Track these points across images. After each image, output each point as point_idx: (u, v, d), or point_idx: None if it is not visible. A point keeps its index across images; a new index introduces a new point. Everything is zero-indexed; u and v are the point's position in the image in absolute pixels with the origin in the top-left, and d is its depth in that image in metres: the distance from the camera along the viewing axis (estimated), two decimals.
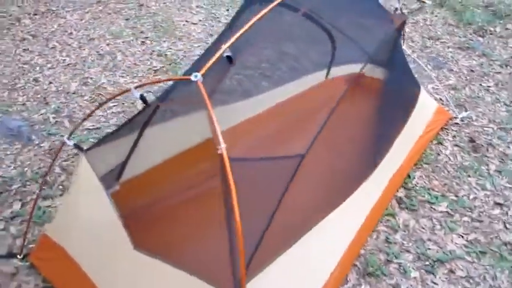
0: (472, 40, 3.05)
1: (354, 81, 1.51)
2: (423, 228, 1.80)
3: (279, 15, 1.38)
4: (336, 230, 1.45)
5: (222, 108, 1.34)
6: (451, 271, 1.60)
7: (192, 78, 1.11)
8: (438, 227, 1.80)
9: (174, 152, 1.83)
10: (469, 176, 2.07)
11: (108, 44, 3.17)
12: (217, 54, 1.16)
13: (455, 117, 2.39)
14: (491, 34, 3.08)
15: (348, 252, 1.47)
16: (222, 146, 1.02)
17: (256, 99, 2.13)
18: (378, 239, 1.73)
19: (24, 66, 2.91)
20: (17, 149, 2.22)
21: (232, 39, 1.18)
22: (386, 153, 1.73)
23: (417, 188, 1.98)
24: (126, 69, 2.94)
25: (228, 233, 1.05)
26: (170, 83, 1.57)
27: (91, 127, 2.40)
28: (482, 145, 2.25)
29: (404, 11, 3.02)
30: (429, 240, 1.74)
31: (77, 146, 1.46)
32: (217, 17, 3.64)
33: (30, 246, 1.62)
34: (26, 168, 2.08)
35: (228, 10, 3.73)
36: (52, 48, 3.11)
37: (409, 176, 2.01)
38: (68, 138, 1.46)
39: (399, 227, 1.79)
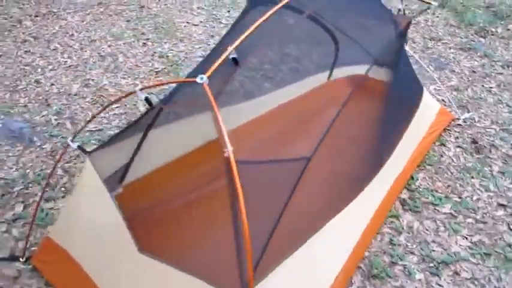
0: (473, 41, 3.05)
1: (359, 83, 1.51)
2: (427, 230, 1.80)
3: (283, 17, 1.38)
4: (341, 233, 1.45)
5: (224, 110, 1.34)
6: (456, 273, 1.60)
7: (198, 80, 1.11)
8: (442, 228, 1.80)
9: (177, 154, 1.83)
10: (472, 177, 2.07)
11: (109, 46, 3.17)
12: (223, 56, 1.16)
13: (458, 119, 2.40)
14: (492, 35, 3.09)
15: (353, 254, 1.47)
16: (229, 149, 1.02)
17: (259, 100, 2.13)
18: (382, 241, 1.73)
19: (26, 67, 2.91)
20: (19, 151, 2.22)
21: (238, 41, 1.18)
22: (390, 155, 1.73)
23: (420, 189, 1.98)
24: (127, 71, 2.94)
25: (235, 236, 1.04)
26: (174, 84, 1.56)
27: (93, 129, 2.40)
28: (485, 146, 2.25)
29: (408, 12, 3.03)
30: (433, 242, 1.73)
31: (80, 148, 1.45)
32: (218, 18, 3.64)
33: (33, 248, 1.62)
34: (28, 170, 2.08)
35: (229, 11, 3.73)
36: (53, 49, 3.10)
37: (412, 178, 2.01)
38: (72, 141, 1.45)
39: (403, 228, 1.79)
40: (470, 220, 1.84)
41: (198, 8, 3.77)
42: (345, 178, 1.56)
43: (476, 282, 1.57)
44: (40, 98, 2.63)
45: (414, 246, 1.71)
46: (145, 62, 3.03)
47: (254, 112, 2.11)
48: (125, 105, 2.59)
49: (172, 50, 3.19)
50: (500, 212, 1.89)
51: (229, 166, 1.02)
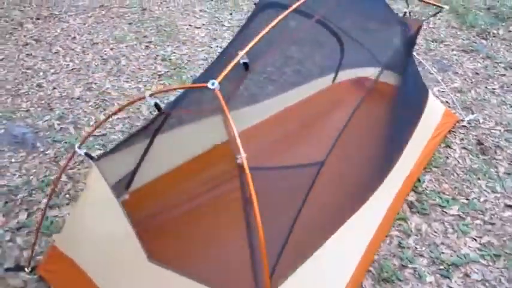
0: (475, 43, 3.08)
1: (369, 87, 1.50)
2: (436, 232, 1.80)
3: (288, 20, 1.38)
4: (351, 238, 1.45)
5: (231, 114, 1.33)
6: (466, 275, 1.60)
7: (209, 85, 1.10)
8: (450, 230, 1.80)
9: (184, 160, 1.82)
10: (478, 178, 2.08)
11: (111, 49, 3.16)
12: (234, 61, 1.15)
13: (463, 120, 2.41)
14: (494, 37, 3.12)
15: (363, 259, 1.47)
16: (243, 156, 1.01)
17: (264, 104, 2.13)
18: (391, 244, 1.73)
19: (28, 71, 2.89)
20: (22, 157, 2.20)
21: (250, 46, 1.17)
22: (398, 159, 1.73)
23: (427, 191, 1.99)
24: (130, 74, 2.92)
25: (249, 243, 1.03)
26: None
27: (97, 133, 2.38)
28: (490, 147, 2.26)
29: (414, 15, 3.04)
30: (442, 244, 1.74)
31: (87, 155, 1.42)
32: (221, 21, 3.64)
33: (38, 257, 1.60)
34: (31, 177, 2.05)
35: (231, 14, 3.74)
36: (55, 53, 3.09)
37: (419, 180, 2.01)
38: (79, 147, 1.43)
39: (411, 231, 1.79)
40: (478, 221, 1.84)
41: (201, 10, 3.77)
42: (354, 182, 1.57)
43: (487, 284, 1.57)
44: (42, 102, 2.61)
45: (423, 248, 1.71)
46: (148, 65, 3.02)
47: (260, 116, 2.11)
48: (128, 109, 2.58)
49: (175, 53, 3.18)
50: (508, 213, 1.89)
51: (242, 173, 1.00)
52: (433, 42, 3.21)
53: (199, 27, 3.54)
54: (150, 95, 1.29)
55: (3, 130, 2.36)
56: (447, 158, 2.20)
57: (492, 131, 2.37)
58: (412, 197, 1.95)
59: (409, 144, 1.88)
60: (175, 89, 1.49)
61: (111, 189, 1.35)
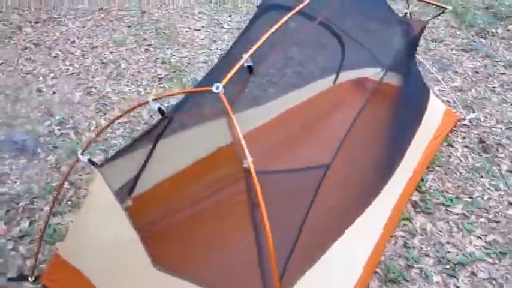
0: (474, 42, 3.10)
1: (373, 89, 1.51)
2: (440, 231, 1.80)
3: (294, 23, 1.38)
4: (357, 240, 1.45)
5: (235, 117, 1.33)
6: (473, 273, 1.61)
7: (214, 89, 1.10)
8: (455, 229, 1.81)
9: (187, 163, 1.82)
10: (481, 176, 2.09)
11: (111, 52, 3.16)
12: (239, 64, 1.15)
13: (464, 119, 2.42)
14: (493, 36, 3.14)
15: (369, 261, 1.47)
16: (249, 160, 1.00)
17: (266, 106, 2.13)
18: (397, 244, 1.73)
19: (27, 76, 2.88)
20: (23, 164, 2.18)
21: (253, 48, 1.17)
22: (402, 159, 1.74)
23: (431, 191, 1.99)
24: (130, 78, 2.92)
25: (257, 248, 1.03)
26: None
27: (97, 138, 2.36)
28: (492, 146, 2.27)
29: (417, 16, 3.05)
30: (448, 243, 1.74)
31: (91, 161, 1.41)
32: (220, 23, 3.65)
33: (41, 266, 1.58)
34: (32, 184, 2.04)
35: (230, 16, 3.74)
36: (55, 57, 3.08)
37: (422, 179, 2.02)
38: (82, 154, 1.41)
39: (416, 231, 1.79)
40: (482, 220, 1.85)
41: (200, 12, 3.77)
42: (359, 184, 1.57)
43: (494, 282, 1.57)
44: (42, 107, 2.60)
45: (429, 248, 1.71)
46: (148, 69, 3.02)
47: (262, 118, 2.11)
48: (129, 113, 2.57)
49: (174, 55, 3.18)
50: None
51: (249, 177, 1.00)
52: (432, 41, 3.23)
53: (199, 30, 3.54)
54: (154, 100, 1.29)
55: (4, 137, 2.35)
56: (450, 156, 2.21)
57: (493, 129, 2.39)
58: (415, 197, 1.95)
59: (412, 144, 1.89)
60: (180, 93, 1.48)
61: (115, 195, 1.35)
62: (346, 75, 2.43)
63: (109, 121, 2.55)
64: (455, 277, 1.59)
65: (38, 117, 2.52)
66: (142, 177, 1.62)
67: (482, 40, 3.13)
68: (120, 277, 1.31)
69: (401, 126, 1.73)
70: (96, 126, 2.47)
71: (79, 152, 1.41)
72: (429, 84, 2.54)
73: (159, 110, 1.33)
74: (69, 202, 1.94)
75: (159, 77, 2.93)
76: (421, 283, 1.57)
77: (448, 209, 1.90)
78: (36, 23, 3.48)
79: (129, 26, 3.50)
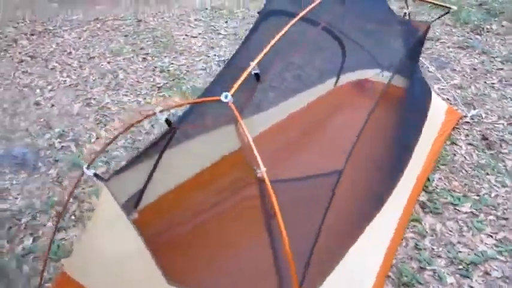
0: (470, 39, 3.13)
1: (382, 92, 1.50)
2: (450, 231, 1.79)
3: (298, 29, 1.37)
4: (370, 245, 1.43)
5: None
6: (486, 273, 1.59)
7: (223, 98, 1.08)
8: (465, 228, 1.80)
9: (192, 173, 1.79)
10: (487, 173, 2.08)
11: (108, 62, 3.13)
12: (246, 72, 1.14)
13: (465, 116, 2.42)
14: (488, 32, 3.17)
15: (383, 265, 1.45)
16: (263, 170, 0.99)
17: (270, 112, 2.12)
18: (407, 247, 1.72)
19: (24, 89, 2.84)
20: (23, 178, 2.14)
21: (260, 56, 1.16)
22: (409, 161, 1.73)
23: (438, 190, 1.98)
24: (129, 88, 2.89)
25: (273, 257, 1.01)
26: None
27: (99, 150, 2.33)
28: (495, 142, 2.27)
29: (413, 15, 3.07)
30: (459, 243, 1.73)
31: (97, 175, 1.37)
32: (217, 29, 3.64)
33: (47, 285, 1.54)
34: (34, 199, 2.00)
35: (226, 22, 3.74)
36: (52, 69, 3.05)
37: (428, 179, 2.01)
38: (88, 168, 1.38)
39: (426, 232, 1.78)
40: (491, 217, 1.84)
41: (196, 19, 3.77)
42: (369, 188, 1.55)
43: (507, 281, 1.56)
44: (41, 120, 2.57)
45: (440, 249, 1.70)
46: (147, 78, 3.00)
47: (266, 124, 2.10)
48: (128, 124, 2.54)
49: (172, 63, 3.16)
50: None
51: (263, 186, 0.98)
52: (429, 40, 3.25)
53: (196, 37, 3.53)
54: (161, 111, 1.27)
55: (3, 151, 2.31)
56: (454, 155, 2.20)
57: (495, 125, 2.39)
58: (423, 197, 1.94)
59: (418, 145, 1.88)
60: (188, 104, 1.46)
61: (122, 208, 1.32)
62: (347, 77, 2.43)
63: (110, 131, 2.55)
64: (468, 277, 1.58)
65: (37, 130, 2.48)
66: (148, 189, 1.60)
67: (478, 37, 3.16)
68: None
69: (407, 127, 1.72)
70: (97, 138, 2.44)
71: (84, 166, 1.38)
72: (429, 83, 2.54)
73: (166, 121, 1.32)
74: (73, 217, 1.90)
75: (158, 85, 2.91)
76: (434, 285, 1.55)
77: (457, 208, 1.89)
78: (32, 35, 3.46)
79: (125, 36, 3.48)
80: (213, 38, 3.50)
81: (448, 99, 2.59)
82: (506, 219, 1.84)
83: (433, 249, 1.70)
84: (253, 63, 1.14)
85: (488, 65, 2.86)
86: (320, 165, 1.22)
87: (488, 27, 3.22)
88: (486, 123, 2.41)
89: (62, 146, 2.36)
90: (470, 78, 2.77)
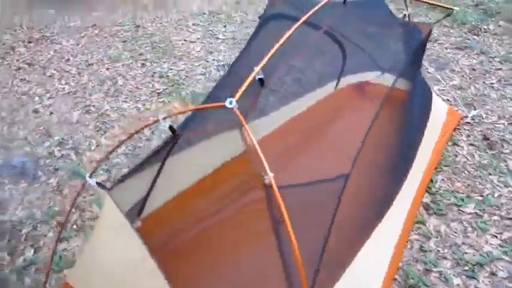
0: (468, 39, 3.17)
1: (386, 94, 1.52)
2: (455, 232, 1.80)
3: (300, 32, 1.39)
4: (376, 249, 1.44)
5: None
6: (493, 273, 1.61)
7: (227, 104, 1.10)
8: (470, 229, 1.81)
9: (194, 180, 1.80)
10: (489, 174, 2.11)
11: (107, 69, 3.15)
12: (250, 77, 1.15)
13: (466, 117, 2.45)
14: (485, 32, 3.22)
15: (389, 269, 1.46)
16: (270, 176, 1.00)
17: (272, 116, 2.13)
18: (413, 249, 1.73)
19: (23, 97, 2.85)
20: (23, 188, 2.14)
21: (264, 61, 1.18)
22: (413, 163, 1.75)
23: (441, 191, 2.00)
24: (128, 94, 2.91)
25: (282, 263, 1.01)
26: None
27: (99, 158, 2.33)
28: (496, 142, 2.30)
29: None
30: (464, 244, 1.74)
31: (100, 184, 1.37)
32: (215, 34, 3.67)
33: None
34: (34, 209, 1.99)
35: (225, 26, 3.77)
36: (50, 76, 3.06)
37: (431, 181, 2.03)
38: (90, 177, 1.36)
39: (431, 233, 1.79)
40: (496, 218, 1.86)
41: (194, 24, 3.80)
42: (375, 192, 1.56)
43: None
44: (40, 128, 2.57)
45: (445, 250, 1.71)
46: (146, 84, 3.01)
47: (266, 129, 2.11)
48: (130, 130, 2.55)
49: (172, 69, 3.18)
50: None
51: (270, 192, 1.00)
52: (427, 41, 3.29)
53: (194, 42, 3.56)
54: (164, 118, 1.28)
55: (2, 161, 2.31)
56: (456, 156, 2.23)
57: (496, 125, 2.42)
58: (426, 199, 1.96)
59: (420, 146, 1.90)
60: (192, 110, 1.47)
61: (125, 217, 1.32)
62: (347, 80, 2.46)
63: (109, 138, 2.55)
64: (475, 278, 1.59)
65: (37, 138, 2.48)
66: (151, 197, 1.60)
67: (476, 37, 3.21)
68: None
69: (410, 129, 1.74)
70: (97, 145, 2.45)
71: (87, 175, 1.38)
72: (429, 84, 2.58)
73: (170, 128, 1.33)
74: (75, 226, 1.90)
75: (158, 91, 2.92)
76: (441, 287, 1.56)
77: (460, 209, 1.91)
78: (29, 42, 3.47)
79: (123, 41, 3.50)
80: (211, 43, 3.53)
81: (448, 100, 2.63)
82: (510, 219, 1.86)
83: (438, 250, 1.71)
84: (257, 68, 1.15)
85: (487, 65, 2.91)
86: (325, 170, 1.23)
87: (486, 27, 3.28)
88: (487, 123, 2.44)
89: (62, 155, 2.36)
90: (470, 78, 2.81)
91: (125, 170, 2.25)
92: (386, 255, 1.48)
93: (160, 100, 2.83)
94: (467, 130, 2.40)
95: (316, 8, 1.35)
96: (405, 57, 1.72)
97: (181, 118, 1.81)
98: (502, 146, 2.29)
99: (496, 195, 1.99)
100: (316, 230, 1.10)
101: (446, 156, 2.21)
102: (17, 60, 3.24)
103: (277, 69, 1.30)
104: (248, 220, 1.60)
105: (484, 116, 2.50)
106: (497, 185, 2.05)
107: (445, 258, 1.68)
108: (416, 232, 1.80)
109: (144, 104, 2.79)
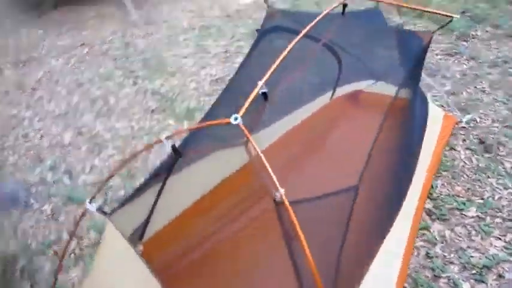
0: (457, 46, 3.41)
1: (389, 104, 1.62)
2: (459, 236, 1.91)
3: (299, 45, 1.47)
4: (387, 258, 1.50)
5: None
6: (500, 276, 1.71)
7: (232, 121, 1.16)
8: (474, 232, 1.92)
9: (194, 199, 1.84)
10: (488, 177, 2.24)
11: (98, 88, 3.23)
12: (254, 92, 1.20)
13: (460, 121, 2.62)
14: (473, 38, 3.47)
15: (399, 277, 1.53)
16: (281, 191, 1.03)
17: (268, 130, 2.23)
18: (419, 256, 1.82)
19: (11, 121, 2.89)
20: (16, 217, 2.15)
21: (267, 75, 1.24)
22: (415, 169, 1.85)
23: (442, 196, 2.12)
24: (121, 113, 2.99)
25: (297, 278, 1.06)
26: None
27: (95, 180, 2.38)
28: (492, 145, 2.46)
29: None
30: (469, 247, 1.84)
31: (100, 210, 1.41)
32: (206, 48, 3.83)
33: None
34: (29, 240, 2.00)
35: (216, 41, 3.94)
36: (39, 98, 3.12)
37: (431, 186, 2.15)
38: (90, 202, 1.39)
39: (436, 239, 1.89)
40: (498, 220, 1.98)
41: (185, 39, 3.96)
42: (382, 201, 1.63)
43: None
44: (31, 153, 2.61)
45: (452, 255, 1.81)
46: (139, 101, 3.10)
47: (264, 142, 2.20)
48: (125, 150, 2.62)
49: (164, 85, 3.29)
50: None
51: (283, 209, 1.03)
52: None
53: (186, 57, 3.70)
54: (167, 138, 1.33)
55: None
56: (454, 160, 2.37)
57: (491, 128, 2.59)
58: (428, 204, 2.07)
59: (421, 153, 2.02)
60: (196, 128, 1.50)
61: (129, 241, 1.35)
62: (343, 90, 2.61)
63: (103, 160, 2.60)
64: (483, 282, 1.68)
65: (28, 164, 2.52)
66: (153, 220, 1.64)
67: (464, 43, 3.45)
68: None
69: (411, 136, 1.84)
70: (91, 168, 2.50)
71: (87, 201, 1.40)
72: (423, 91, 2.75)
73: (173, 148, 1.39)
74: (73, 254, 1.91)
75: (151, 109, 3.01)
76: None
77: (463, 212, 2.03)
78: (17, 64, 3.54)
79: (114, 59, 3.61)
80: (203, 57, 3.67)
81: (442, 105, 2.81)
82: None
83: (444, 256, 1.81)
84: (260, 82, 1.22)
85: (477, 70, 3.12)
86: (330, 182, 1.28)
87: (473, 33, 3.53)
88: (481, 127, 2.61)
89: (55, 180, 2.40)
90: (461, 84, 3.01)
91: (121, 192, 2.30)
92: (396, 264, 1.55)
93: (155, 117, 2.92)
94: (463, 134, 2.56)
95: (317, 19, 1.42)
96: (405, 65, 1.85)
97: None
98: (498, 148, 2.45)
99: (496, 197, 2.12)
100: (329, 244, 1.15)
101: (444, 160, 2.34)
102: (5, 84, 3.30)
103: (279, 83, 1.40)
104: (257, 236, 1.66)
105: (478, 120, 2.67)
106: (496, 188, 2.19)
107: (452, 263, 1.78)
108: (421, 238, 1.90)
109: (138, 123, 2.87)
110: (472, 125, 2.62)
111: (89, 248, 1.94)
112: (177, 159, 1.48)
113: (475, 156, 2.40)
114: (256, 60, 1.63)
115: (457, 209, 2.05)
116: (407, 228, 1.73)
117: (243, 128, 1.16)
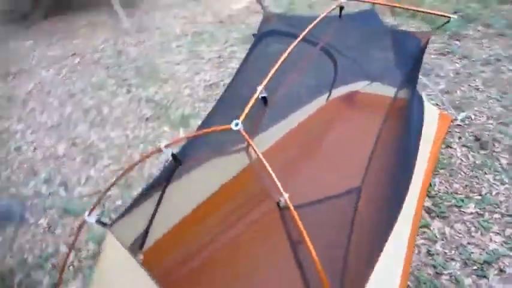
0: (450, 45, 3.54)
1: (389, 106, 1.68)
2: (459, 233, 1.98)
3: (297, 49, 1.52)
4: (390, 258, 1.54)
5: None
6: (501, 270, 1.78)
7: (233, 127, 1.19)
8: (473, 228, 2.00)
9: (194, 206, 1.88)
10: (485, 173, 2.34)
11: (91, 97, 3.28)
12: (254, 97, 1.24)
13: (456, 119, 2.72)
14: (465, 37, 3.61)
15: (402, 278, 1.58)
16: (285, 196, 1.05)
17: (265, 134, 2.29)
18: (420, 253, 1.89)
19: (3, 135, 2.91)
20: (11, 233, 2.16)
21: (266, 80, 1.29)
22: (415, 169, 1.91)
23: (441, 194, 2.20)
24: (115, 122, 3.03)
25: (303, 283, 1.09)
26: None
27: (92, 191, 2.41)
28: (487, 141, 2.56)
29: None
30: (469, 244, 1.92)
31: (100, 222, 1.43)
32: (199, 54, 3.91)
33: None
34: (26, 255, 2.02)
35: (209, 46, 4.03)
36: (31, 110, 3.15)
37: (430, 184, 2.23)
38: (88, 215, 1.41)
39: (436, 236, 1.96)
40: (496, 215, 2.06)
41: (177, 46, 4.04)
42: (384, 201, 1.68)
43: None
44: (25, 166, 2.63)
45: (452, 252, 1.88)
46: (133, 110, 3.15)
47: (262, 146, 2.25)
48: (120, 159, 2.65)
49: (158, 92, 3.35)
50: None
51: (288, 213, 1.05)
52: None
53: (179, 63, 3.77)
54: (166, 146, 1.37)
55: None
56: (450, 158, 2.46)
57: (486, 125, 2.70)
58: (427, 202, 2.14)
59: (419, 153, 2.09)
60: (196, 135, 1.54)
61: (129, 252, 1.38)
62: (339, 91, 2.69)
63: (98, 170, 2.63)
64: (485, 277, 1.75)
65: (21, 178, 2.54)
66: (152, 229, 1.67)
67: (457, 42, 3.59)
68: None
69: (409, 136, 1.91)
70: (87, 179, 2.53)
71: (86, 213, 1.42)
72: (418, 90, 2.85)
73: (173, 156, 1.44)
74: (71, 267, 1.93)
75: (146, 117, 3.06)
76: None
77: (461, 209, 2.11)
78: (6, 76, 3.57)
79: (106, 68, 3.67)
80: (197, 63, 3.75)
81: (437, 104, 2.91)
82: (510, 215, 2.06)
83: (445, 253, 1.88)
84: (260, 87, 1.26)
85: (470, 68, 3.25)
86: (331, 184, 1.32)
87: (465, 32, 3.67)
88: (476, 124, 2.72)
89: (50, 192, 2.42)
90: (455, 82, 3.13)
91: (119, 202, 2.33)
92: (399, 263, 1.60)
93: (150, 125, 2.97)
94: (459, 132, 2.66)
95: (315, 22, 1.46)
96: (402, 65, 1.92)
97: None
98: (494, 145, 2.55)
99: (493, 193, 2.21)
100: (334, 249, 1.18)
101: (441, 158, 2.43)
102: None
103: (278, 87, 1.45)
104: (257, 240, 1.70)
105: (473, 117, 2.78)
106: (493, 184, 2.27)
107: (453, 259, 1.85)
108: (421, 236, 1.97)
109: (133, 132, 2.91)
110: (467, 122, 2.73)
111: (87, 260, 1.96)
112: (177, 167, 1.53)
113: (471, 153, 2.49)
114: (253, 65, 1.69)
115: (456, 206, 2.13)
116: (408, 227, 1.79)
117: (244, 133, 1.19)
